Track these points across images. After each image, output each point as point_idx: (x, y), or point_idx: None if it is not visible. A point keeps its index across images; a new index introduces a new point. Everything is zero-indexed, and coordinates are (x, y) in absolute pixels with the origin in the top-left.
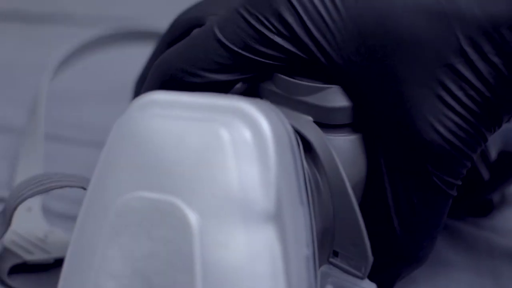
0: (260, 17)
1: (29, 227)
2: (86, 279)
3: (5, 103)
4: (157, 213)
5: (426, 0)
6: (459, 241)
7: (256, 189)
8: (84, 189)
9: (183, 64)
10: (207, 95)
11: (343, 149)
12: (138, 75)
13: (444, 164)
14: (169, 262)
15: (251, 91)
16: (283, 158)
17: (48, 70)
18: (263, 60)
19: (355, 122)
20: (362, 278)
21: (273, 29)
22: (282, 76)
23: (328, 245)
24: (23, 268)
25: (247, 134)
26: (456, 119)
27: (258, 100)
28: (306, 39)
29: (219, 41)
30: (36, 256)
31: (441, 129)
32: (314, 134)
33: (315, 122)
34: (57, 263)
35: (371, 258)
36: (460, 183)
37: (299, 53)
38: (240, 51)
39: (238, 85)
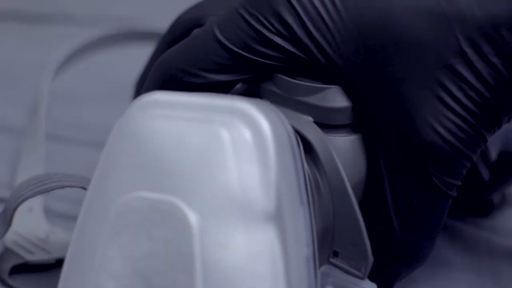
0: (260, 17)
1: (30, 227)
2: (86, 279)
3: (5, 103)
4: (157, 213)
5: (426, 1)
6: (459, 241)
7: (256, 189)
8: (85, 189)
9: (183, 64)
10: (207, 95)
11: (343, 149)
12: (139, 75)
13: (444, 165)
14: (169, 262)
15: (251, 92)
16: (283, 158)
17: (49, 70)
18: (263, 60)
19: (355, 123)
20: (362, 278)
21: (273, 30)
22: (282, 76)
23: (328, 245)
24: (24, 268)
25: (247, 134)
26: (456, 120)
27: (258, 101)
28: (305, 39)
29: (219, 41)
30: (37, 256)
31: (441, 130)
32: (314, 134)
33: (315, 122)
34: (58, 263)
35: (371, 258)
36: (459, 183)
37: (299, 53)
38: (240, 51)
39: (238, 86)
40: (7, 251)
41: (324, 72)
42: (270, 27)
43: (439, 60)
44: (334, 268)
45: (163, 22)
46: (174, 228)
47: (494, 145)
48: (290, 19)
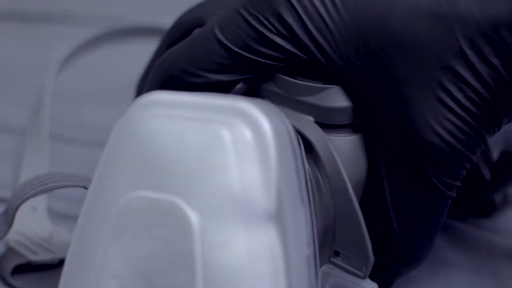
0: (260, 17)
1: (34, 227)
2: (87, 279)
3: (5, 103)
4: (158, 213)
5: (426, 2)
6: (459, 241)
7: (257, 189)
8: (86, 188)
9: (184, 64)
10: (208, 95)
11: (343, 149)
12: (140, 75)
13: (444, 166)
14: (170, 262)
15: (252, 91)
16: (284, 158)
17: (53, 70)
18: (263, 60)
19: (356, 122)
20: (363, 278)
21: (273, 30)
22: (283, 76)
23: (329, 245)
24: (26, 268)
25: (248, 134)
26: (456, 121)
27: (259, 100)
28: (306, 39)
29: (219, 41)
30: (41, 256)
31: (441, 131)
32: (315, 134)
33: (316, 122)
34: (62, 264)
35: (372, 258)
36: (459, 184)
37: (299, 53)
38: (240, 51)
39: (239, 85)
40: (11, 250)
41: (324, 72)
42: (270, 27)
43: (439, 60)
44: (335, 268)
45: (163, 22)
46: (174, 227)
47: (495, 145)
48: (290, 19)
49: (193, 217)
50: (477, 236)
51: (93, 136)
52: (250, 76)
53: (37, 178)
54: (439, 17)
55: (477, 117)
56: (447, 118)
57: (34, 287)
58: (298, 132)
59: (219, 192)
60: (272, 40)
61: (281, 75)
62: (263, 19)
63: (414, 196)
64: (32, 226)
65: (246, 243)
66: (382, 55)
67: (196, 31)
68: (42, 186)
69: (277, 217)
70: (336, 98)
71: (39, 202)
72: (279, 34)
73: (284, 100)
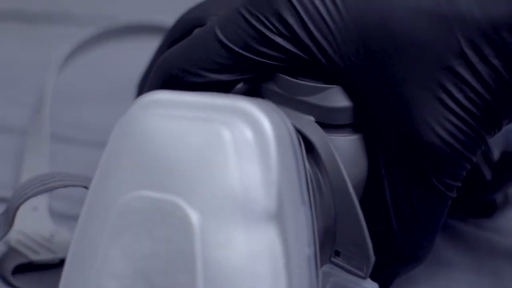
0: (260, 17)
1: (35, 226)
2: (88, 279)
3: (5, 103)
4: (159, 213)
5: (426, 2)
6: (460, 241)
7: (258, 189)
8: (87, 188)
9: (184, 64)
10: (209, 94)
11: (344, 149)
12: (141, 74)
13: (444, 166)
14: (170, 261)
15: (253, 91)
16: (285, 158)
17: (53, 70)
18: (263, 60)
19: (356, 122)
20: (364, 278)
21: (273, 30)
22: (284, 76)
23: (330, 245)
24: (27, 268)
25: (248, 133)
26: (456, 121)
27: (259, 100)
28: (306, 39)
29: (220, 41)
30: (42, 256)
31: (441, 131)
32: (315, 134)
33: (316, 122)
34: (63, 263)
35: (373, 258)
36: (459, 184)
37: (299, 53)
38: (240, 51)
39: (240, 85)
40: (12, 250)
41: (325, 72)
42: (271, 27)
43: (439, 61)
44: (335, 268)
45: (163, 21)
46: (175, 227)
47: (496, 145)
48: (291, 19)
49: (194, 217)
50: (477, 236)
51: (93, 136)
52: (251, 76)
53: (38, 178)
54: (439, 17)
55: (478, 118)
56: (447, 118)
57: (35, 287)
58: (299, 132)
59: (219, 192)
60: (273, 40)
61: (281, 75)
62: (263, 19)
63: (414, 196)
64: (33, 225)
65: (247, 243)
66: (382, 55)
67: (197, 31)
68: (42, 186)
69: (278, 217)
70: (337, 98)
71: (40, 202)
72: (279, 34)
73: (284, 100)
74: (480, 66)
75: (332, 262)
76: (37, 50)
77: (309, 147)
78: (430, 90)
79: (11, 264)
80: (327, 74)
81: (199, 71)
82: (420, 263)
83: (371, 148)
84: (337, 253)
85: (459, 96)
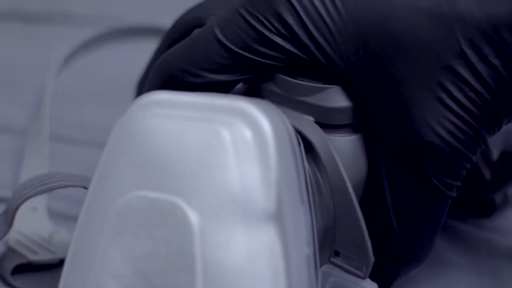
0: (260, 17)
1: (34, 227)
2: (87, 279)
3: (5, 103)
4: (158, 213)
5: (426, 2)
6: (459, 241)
7: (257, 189)
8: (87, 189)
9: (183, 64)
10: (208, 95)
11: (344, 149)
12: (140, 75)
13: (443, 166)
14: (170, 262)
15: (252, 91)
16: (284, 158)
17: (53, 70)
18: (263, 60)
19: (356, 122)
20: (363, 278)
21: (273, 30)
22: (283, 76)
23: (329, 245)
24: (26, 268)
25: (247, 133)
26: (456, 121)
27: (259, 100)
28: (306, 39)
29: (219, 41)
30: (41, 256)
31: (441, 131)
32: (315, 134)
33: (316, 122)
34: (62, 264)
35: (372, 258)
36: (459, 184)
37: (299, 53)
38: (240, 51)
39: (239, 85)
40: (11, 250)
41: (325, 72)
42: (271, 27)
43: (439, 61)
44: (335, 268)
45: (163, 21)
46: (174, 227)
47: (495, 145)
48: (290, 19)
49: (193, 217)
50: (477, 236)
51: (93, 136)
52: (250, 76)
53: (37, 178)
54: (439, 17)
55: (477, 117)
56: (447, 118)
57: (34, 287)
58: (298, 132)
59: (219, 192)
60: (272, 40)
61: (281, 75)
62: (263, 19)
63: (414, 196)
64: (32, 226)
65: (246, 243)
66: (382, 55)
67: (196, 31)
68: (42, 186)
69: (277, 217)
70: (336, 98)
71: (39, 202)
72: (279, 34)
73: (284, 100)
74: (480, 66)
75: (331, 262)
76: (37, 50)
77: (309, 147)
78: (430, 90)
79: (10, 265)
80: (327, 74)
81: (199, 71)
82: (420, 263)
83: (371, 148)
84: (336, 253)
85: (459, 95)
